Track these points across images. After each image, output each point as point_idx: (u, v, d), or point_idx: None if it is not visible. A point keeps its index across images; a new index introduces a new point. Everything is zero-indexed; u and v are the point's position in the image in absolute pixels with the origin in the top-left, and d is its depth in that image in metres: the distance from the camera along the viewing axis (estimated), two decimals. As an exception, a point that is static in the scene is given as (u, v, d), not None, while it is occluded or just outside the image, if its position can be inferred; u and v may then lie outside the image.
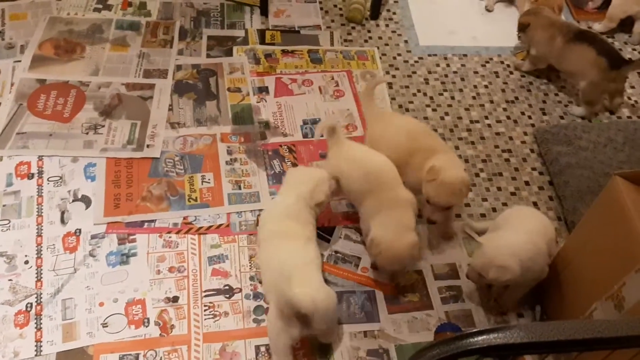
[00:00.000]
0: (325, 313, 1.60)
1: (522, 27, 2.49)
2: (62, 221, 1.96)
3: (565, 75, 2.55)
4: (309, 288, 1.59)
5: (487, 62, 2.64)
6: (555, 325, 0.82)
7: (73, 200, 2.01)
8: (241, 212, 2.02)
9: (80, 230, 1.94)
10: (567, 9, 2.90)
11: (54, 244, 1.90)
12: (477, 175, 2.22)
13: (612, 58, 2.29)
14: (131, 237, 1.93)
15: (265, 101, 2.38)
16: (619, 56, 2.33)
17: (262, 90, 2.42)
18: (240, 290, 1.85)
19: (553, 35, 2.39)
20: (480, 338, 0.83)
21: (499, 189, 2.19)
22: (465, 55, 2.66)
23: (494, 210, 2.12)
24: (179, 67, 2.46)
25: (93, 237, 1.92)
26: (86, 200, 2.01)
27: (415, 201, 1.83)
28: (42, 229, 1.94)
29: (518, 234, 1.72)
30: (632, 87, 2.60)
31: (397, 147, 1.91)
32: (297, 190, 1.82)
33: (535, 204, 2.15)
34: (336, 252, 1.96)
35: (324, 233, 2.00)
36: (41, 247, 1.90)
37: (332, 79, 2.50)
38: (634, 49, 2.76)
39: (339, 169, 1.89)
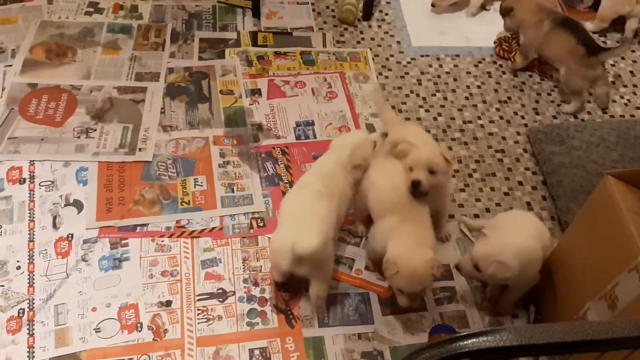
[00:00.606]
0: (307, 260, 1.64)
1: (506, 11, 2.49)
2: (54, 226, 1.95)
3: (547, 61, 2.56)
4: (298, 234, 1.63)
5: (480, 62, 2.64)
6: (545, 327, 0.82)
7: (65, 205, 2.00)
8: (234, 215, 2.02)
9: (72, 235, 1.93)
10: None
11: (46, 249, 1.90)
12: (470, 175, 2.22)
13: (590, 46, 2.32)
14: (123, 242, 1.92)
15: (258, 103, 2.38)
16: (597, 44, 2.35)
17: (255, 92, 2.42)
18: (234, 293, 1.84)
19: (541, 19, 2.41)
20: (470, 341, 0.82)
21: (492, 189, 2.19)
22: (457, 55, 2.66)
23: (488, 210, 2.12)
24: (170, 70, 2.45)
25: (85, 241, 1.92)
26: (78, 205, 2.00)
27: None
28: (34, 234, 1.93)
29: (521, 236, 1.72)
30: (625, 86, 2.61)
31: None
32: (335, 157, 1.86)
33: (528, 204, 2.15)
34: (330, 254, 1.95)
35: (318, 235, 2.00)
36: (33, 252, 1.89)
37: (325, 80, 2.50)
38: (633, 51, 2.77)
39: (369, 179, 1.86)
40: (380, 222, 1.80)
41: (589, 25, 2.80)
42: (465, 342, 0.83)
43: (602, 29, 2.80)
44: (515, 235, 1.71)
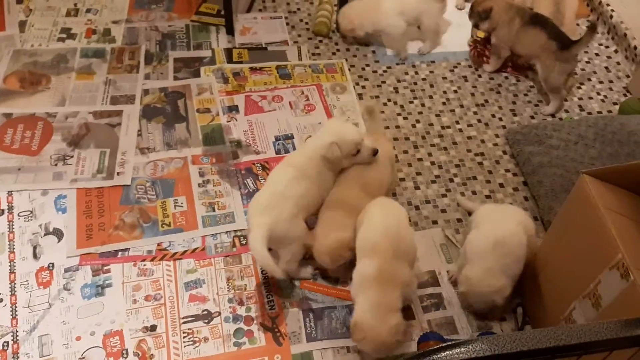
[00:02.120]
0: (275, 238, 1.72)
1: (487, 13, 2.48)
2: (35, 256, 1.93)
3: (522, 59, 2.59)
4: (262, 213, 1.72)
5: (455, 67, 2.66)
6: (518, 336, 0.81)
7: (45, 234, 1.98)
8: (216, 234, 2.00)
9: (53, 264, 1.91)
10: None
11: (27, 280, 1.87)
12: (451, 180, 2.22)
13: (561, 41, 2.34)
14: (105, 268, 1.90)
15: (236, 120, 2.37)
16: (567, 38, 2.37)
17: (232, 109, 2.41)
18: (219, 314, 1.82)
19: (513, 18, 2.43)
20: (443, 354, 0.82)
21: (474, 192, 2.19)
22: (433, 61, 2.67)
23: (470, 214, 2.11)
24: (146, 92, 2.44)
25: (67, 270, 1.90)
26: (58, 233, 1.98)
27: (409, 282, 1.75)
28: (14, 266, 1.91)
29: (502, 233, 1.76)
30: (601, 82, 2.63)
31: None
32: (320, 140, 1.88)
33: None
34: (315, 269, 1.94)
35: (302, 250, 1.99)
36: (14, 284, 1.87)
37: (302, 93, 2.50)
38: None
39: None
40: (360, 266, 1.73)
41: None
42: (439, 356, 0.82)
43: None
44: (499, 228, 1.76)
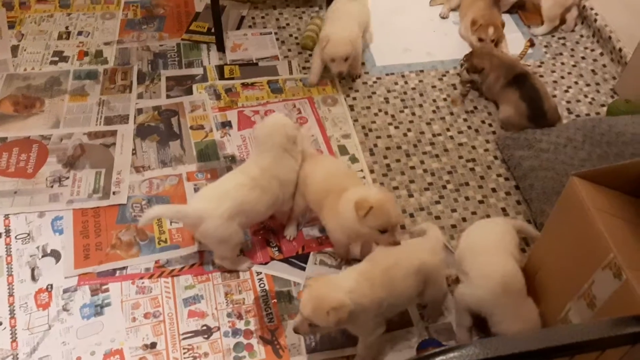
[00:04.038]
0: (202, 231, 1.82)
1: (476, 70, 2.51)
2: (33, 278, 1.94)
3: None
4: (197, 199, 1.86)
5: (444, 75, 2.69)
6: (510, 338, 0.83)
7: (42, 256, 1.99)
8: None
9: (51, 285, 1.92)
10: (517, 17, 2.98)
11: (26, 302, 1.88)
12: (444, 187, 2.25)
13: (534, 111, 2.34)
14: (104, 287, 1.91)
15: (230, 135, 2.39)
16: (541, 111, 2.35)
17: (225, 124, 2.43)
18: (219, 328, 1.83)
19: (499, 76, 2.46)
20: (437, 359, 0.83)
21: (467, 198, 2.21)
22: (421, 71, 2.70)
23: (464, 220, 2.14)
24: (139, 111, 2.46)
25: (65, 291, 1.90)
26: (56, 255, 1.99)
27: None
28: (13, 289, 1.91)
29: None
30: (588, 85, 2.66)
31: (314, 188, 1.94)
32: (268, 144, 1.94)
33: (504, 210, 2.17)
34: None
35: (299, 261, 2.01)
36: (14, 306, 1.87)
37: (294, 107, 2.52)
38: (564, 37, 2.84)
39: None
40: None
41: (539, 30, 2.87)
42: (433, 361, 0.84)
43: (554, 28, 2.88)
44: (494, 273, 1.70)
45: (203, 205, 1.83)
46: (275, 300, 1.90)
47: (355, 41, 2.46)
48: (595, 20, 2.85)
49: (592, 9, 2.89)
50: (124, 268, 1.96)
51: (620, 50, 2.69)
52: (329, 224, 1.89)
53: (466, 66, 2.57)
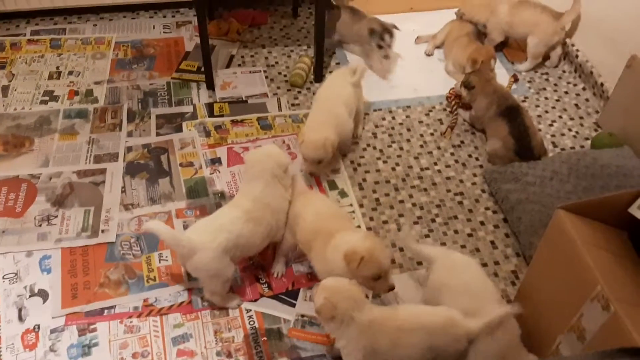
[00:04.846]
0: (194, 263, 1.82)
1: (468, 86, 2.56)
2: (20, 318, 1.91)
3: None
4: (193, 234, 1.84)
5: (430, 110, 2.73)
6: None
7: (30, 296, 1.97)
8: (202, 287, 2.00)
9: (39, 326, 1.89)
10: (501, 54, 3.04)
11: (12, 343, 1.85)
12: (433, 220, 2.26)
13: (522, 147, 2.37)
14: (91, 327, 1.89)
15: (219, 172, 2.41)
16: (528, 147, 2.37)
17: (215, 161, 2.45)
18: (208, 367, 1.81)
19: (491, 103, 2.49)
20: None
21: (456, 231, 2.22)
22: (408, 106, 2.75)
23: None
24: (129, 149, 2.48)
25: (52, 331, 1.88)
26: (43, 294, 1.97)
27: None
28: (0, 330, 1.89)
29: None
30: (572, 119, 2.71)
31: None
32: (259, 173, 1.96)
33: (492, 243, 2.18)
34: (303, 315, 1.94)
35: (289, 297, 2.00)
36: (0, 348, 1.84)
37: (284, 142, 2.54)
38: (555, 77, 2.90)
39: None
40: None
41: (523, 66, 2.93)
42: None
43: (536, 65, 2.94)
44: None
45: (198, 237, 1.82)
46: (265, 338, 1.88)
47: (334, 141, 2.27)
48: (577, 56, 2.92)
49: (573, 45, 2.96)
50: (112, 307, 1.94)
51: (602, 85, 2.75)
52: (318, 269, 1.88)
53: (463, 79, 2.61)
